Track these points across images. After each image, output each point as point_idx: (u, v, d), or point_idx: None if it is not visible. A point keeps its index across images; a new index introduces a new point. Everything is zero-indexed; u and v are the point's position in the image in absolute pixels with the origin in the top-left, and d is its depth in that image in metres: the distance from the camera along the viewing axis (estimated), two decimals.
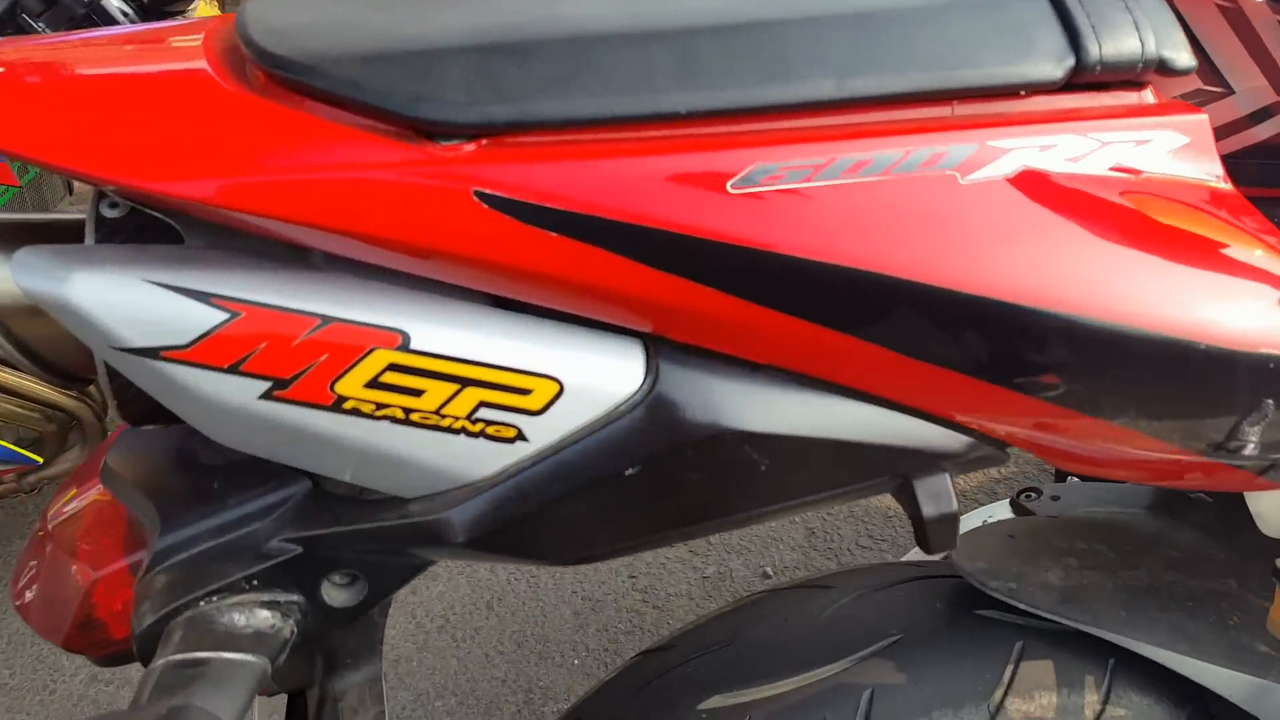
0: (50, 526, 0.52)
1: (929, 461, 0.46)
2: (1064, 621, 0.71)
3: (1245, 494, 0.66)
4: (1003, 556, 0.75)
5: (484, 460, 0.43)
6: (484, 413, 0.41)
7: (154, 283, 0.37)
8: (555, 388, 0.41)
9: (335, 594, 0.46)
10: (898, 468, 0.46)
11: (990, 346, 0.41)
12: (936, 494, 0.47)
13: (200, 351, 0.38)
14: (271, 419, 0.40)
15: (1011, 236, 0.40)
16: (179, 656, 0.40)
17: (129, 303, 0.37)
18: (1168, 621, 0.73)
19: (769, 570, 1.72)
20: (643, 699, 0.73)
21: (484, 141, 0.37)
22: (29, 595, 0.50)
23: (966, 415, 0.45)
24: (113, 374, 0.42)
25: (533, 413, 0.42)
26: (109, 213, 0.41)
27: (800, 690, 0.68)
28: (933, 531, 0.47)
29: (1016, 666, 0.70)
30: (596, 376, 0.42)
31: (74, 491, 0.53)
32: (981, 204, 0.40)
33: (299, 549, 0.45)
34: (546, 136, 0.38)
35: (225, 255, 0.40)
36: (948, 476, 0.47)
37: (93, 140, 0.35)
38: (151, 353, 0.38)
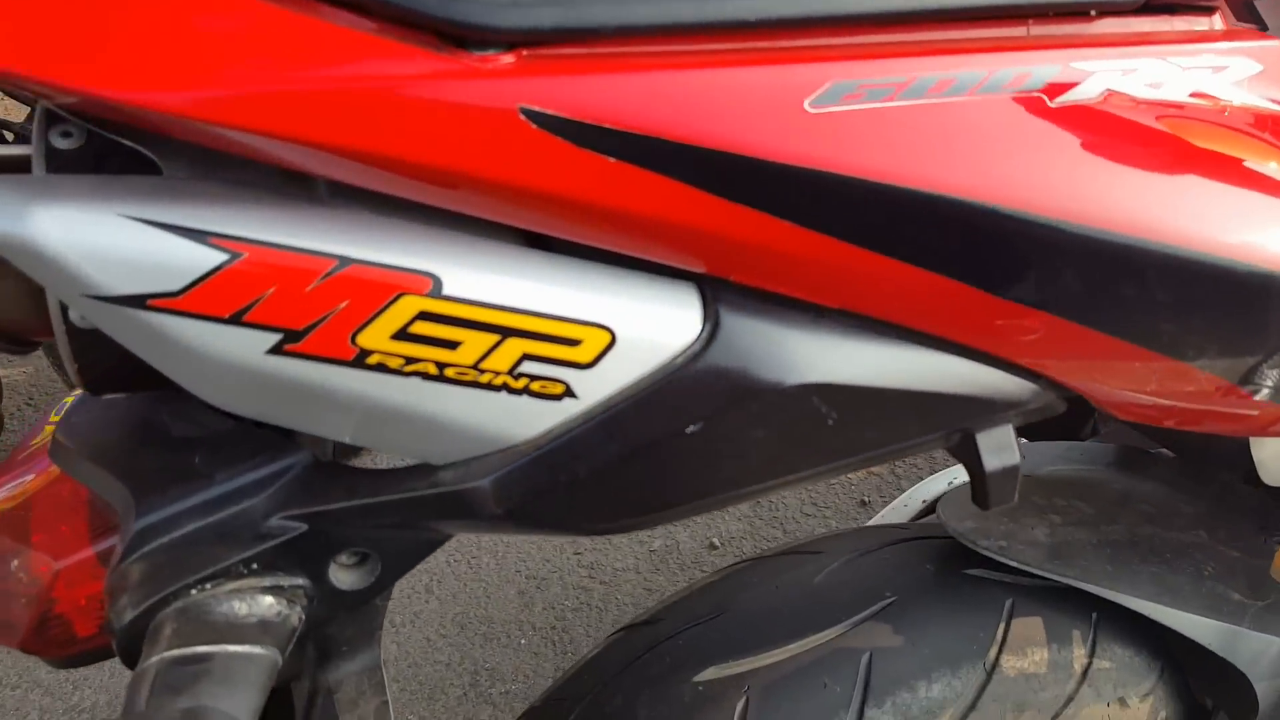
0: None
1: (995, 411, 0.44)
2: (1054, 578, 0.70)
3: (1250, 441, 0.66)
4: (988, 516, 0.75)
5: (528, 420, 0.38)
6: (528, 366, 0.37)
7: (136, 219, 0.32)
8: (607, 338, 0.37)
9: (343, 576, 0.41)
10: (965, 418, 0.44)
11: (1083, 280, 0.39)
12: (1000, 446, 0.45)
13: (195, 299, 0.32)
14: (281, 377, 0.35)
15: (1105, 163, 0.38)
16: (177, 652, 0.34)
17: (107, 243, 0.31)
18: (1150, 574, 0.73)
19: (715, 541, 1.71)
20: (631, 675, 0.70)
21: (524, 52, 0.33)
22: None
23: (1040, 359, 0.43)
24: (73, 333, 0.36)
25: (582, 366, 0.37)
26: (61, 143, 0.35)
27: (798, 657, 0.66)
28: (994, 485, 0.45)
29: (1008, 624, 0.70)
30: (651, 325, 0.38)
31: (14, 473, 0.47)
32: (1073, 127, 0.38)
33: (304, 527, 0.40)
34: (598, 47, 0.33)
35: (219, 187, 0.35)
36: (1010, 427, 0.45)
37: (56, 41, 0.29)
38: (136, 301, 0.32)
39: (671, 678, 0.68)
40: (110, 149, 0.35)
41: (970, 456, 0.45)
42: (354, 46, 0.31)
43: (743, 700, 0.65)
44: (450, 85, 0.32)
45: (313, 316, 0.34)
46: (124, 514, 0.39)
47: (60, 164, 0.35)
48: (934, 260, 0.38)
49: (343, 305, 0.34)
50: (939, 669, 0.67)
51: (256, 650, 0.36)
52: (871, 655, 0.66)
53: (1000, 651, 0.69)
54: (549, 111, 0.32)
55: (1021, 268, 0.39)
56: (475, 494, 0.39)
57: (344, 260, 0.34)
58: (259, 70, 0.30)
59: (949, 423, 0.44)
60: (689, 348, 0.39)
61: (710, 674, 0.67)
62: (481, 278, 0.35)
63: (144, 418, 0.42)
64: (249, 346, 0.34)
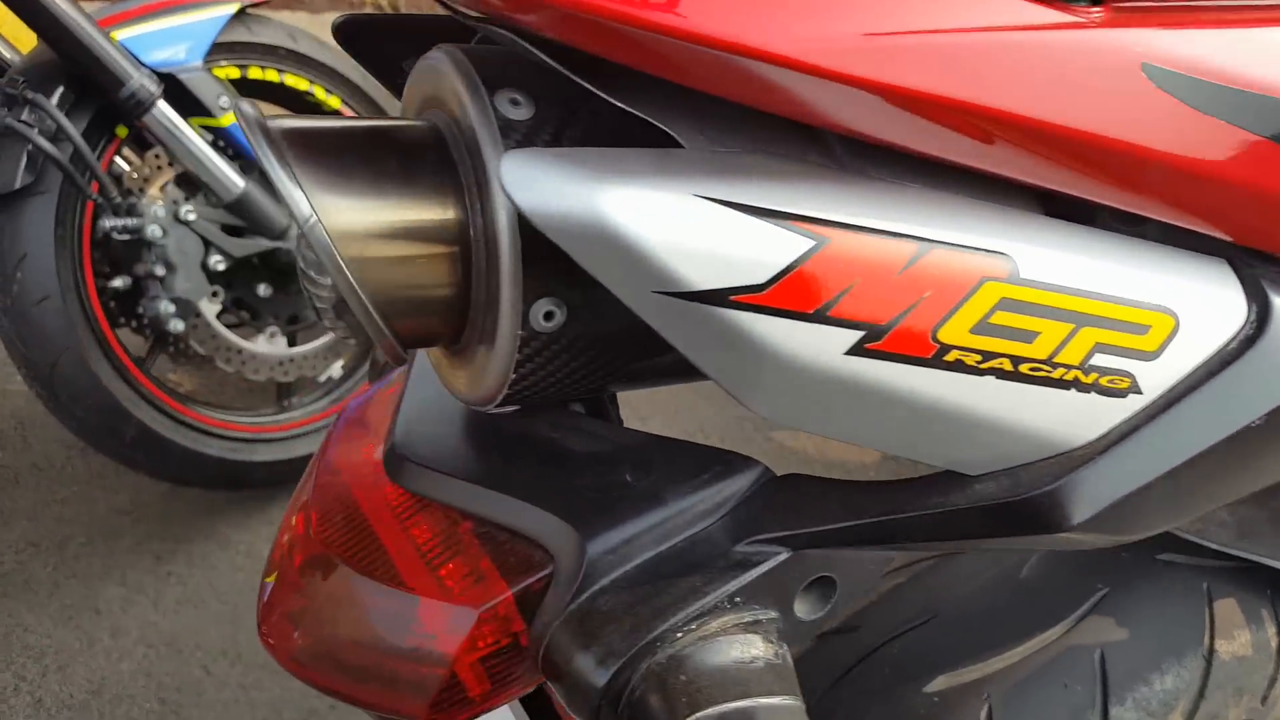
0: (329, 546, 0.36)
1: None
2: (1247, 556, 0.70)
3: None
4: None
5: (1090, 420, 0.34)
6: (1099, 359, 0.32)
7: (712, 200, 0.26)
8: (1170, 323, 0.33)
9: (801, 606, 0.35)
10: None
11: None
12: None
13: (782, 293, 0.27)
14: (855, 380, 0.30)
15: None
16: (714, 710, 0.28)
17: (688, 230, 0.26)
18: None
19: None
20: (848, 689, 0.66)
21: (1114, 5, 0.29)
22: (322, 648, 0.35)
23: None
24: (526, 339, 0.30)
25: (1148, 355, 0.33)
26: (513, 112, 0.29)
27: (1030, 659, 0.64)
28: None
29: (1212, 608, 0.69)
30: (1207, 306, 0.34)
31: (341, 494, 0.38)
32: None
33: (787, 552, 0.34)
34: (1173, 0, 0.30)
35: (771, 162, 0.29)
36: None
37: None
38: (717, 297, 0.27)
39: (898, 688, 0.64)
40: (570, 116, 0.29)
41: None
42: None
43: (985, 708, 0.62)
44: (1079, 37, 0.28)
45: (897, 310, 0.29)
46: (560, 544, 0.33)
47: (519, 136, 0.29)
48: None
49: (926, 295, 0.29)
50: (1166, 659, 0.66)
51: (789, 702, 0.30)
52: (1103, 651, 0.65)
53: (1213, 637, 0.68)
54: (1172, 70, 0.28)
55: None
56: (1027, 507, 0.34)
57: (924, 243, 0.29)
58: (867, 20, 0.25)
59: None
60: (1241, 331, 0.35)
61: (942, 683, 0.64)
62: (1053, 257, 0.31)
63: (517, 433, 0.35)
64: (829, 346, 0.29)
